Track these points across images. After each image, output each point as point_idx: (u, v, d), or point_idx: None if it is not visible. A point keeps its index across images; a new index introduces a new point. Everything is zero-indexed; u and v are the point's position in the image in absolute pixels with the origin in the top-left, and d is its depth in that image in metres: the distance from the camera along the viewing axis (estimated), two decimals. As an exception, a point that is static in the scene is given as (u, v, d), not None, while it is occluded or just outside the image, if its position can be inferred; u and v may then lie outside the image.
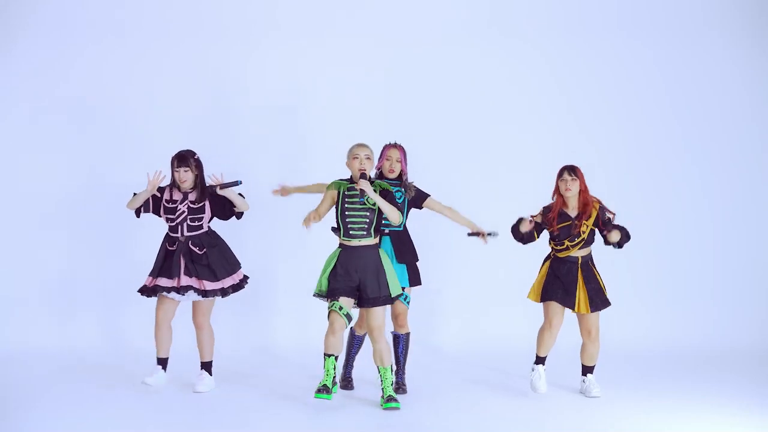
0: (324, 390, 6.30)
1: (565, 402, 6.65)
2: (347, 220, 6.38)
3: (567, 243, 6.68)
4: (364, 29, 8.67)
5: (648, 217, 8.67)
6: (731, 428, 6.03)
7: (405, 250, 6.77)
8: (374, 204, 6.39)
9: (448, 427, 6.07)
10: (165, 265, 6.72)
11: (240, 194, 6.80)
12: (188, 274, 6.69)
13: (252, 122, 8.60)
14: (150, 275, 6.78)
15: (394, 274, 6.49)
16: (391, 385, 6.46)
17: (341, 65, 8.65)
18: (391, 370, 6.49)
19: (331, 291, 6.37)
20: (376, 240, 6.47)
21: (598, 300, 6.72)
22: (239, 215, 6.89)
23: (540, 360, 6.77)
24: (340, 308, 6.31)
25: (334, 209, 6.49)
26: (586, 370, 6.85)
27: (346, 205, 6.40)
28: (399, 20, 8.71)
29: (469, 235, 6.83)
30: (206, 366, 6.91)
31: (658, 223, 8.75)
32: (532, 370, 6.76)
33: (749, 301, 8.77)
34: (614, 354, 7.69)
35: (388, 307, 6.70)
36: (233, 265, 6.86)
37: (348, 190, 6.42)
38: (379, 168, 6.77)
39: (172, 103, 8.51)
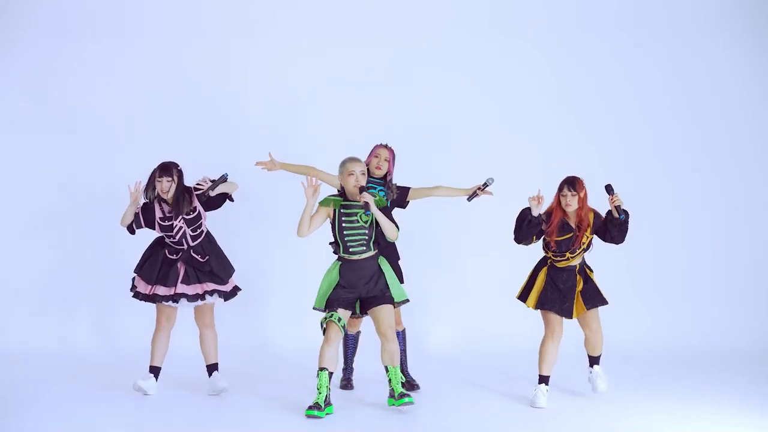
0: (315, 407, 6.16)
1: (565, 402, 6.64)
2: (346, 238, 6.32)
3: (568, 255, 6.64)
4: (363, 29, 8.66)
5: (648, 218, 8.65)
6: (731, 428, 6.03)
7: (387, 250, 6.72)
8: (367, 222, 6.31)
9: (448, 427, 6.06)
10: (162, 272, 6.68)
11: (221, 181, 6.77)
12: (186, 281, 6.66)
13: (249, 122, 8.59)
14: (147, 282, 6.70)
15: (395, 281, 6.45)
16: (401, 384, 6.40)
17: (340, 65, 8.63)
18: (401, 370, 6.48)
19: (329, 302, 6.33)
20: (376, 251, 6.44)
21: (596, 298, 6.66)
22: (231, 198, 6.85)
23: (543, 379, 6.63)
24: (339, 319, 6.27)
25: (330, 226, 6.40)
26: (593, 360, 6.81)
27: (344, 224, 6.32)
28: (398, 21, 8.70)
29: (469, 199, 6.74)
30: (215, 367, 6.86)
31: (658, 223, 8.74)
32: (535, 389, 6.62)
33: (749, 301, 8.77)
34: (614, 354, 7.67)
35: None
36: (230, 270, 6.84)
37: (343, 208, 6.34)
38: (366, 164, 6.73)
39: (171, 103, 8.49)
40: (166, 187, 6.64)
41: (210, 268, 6.71)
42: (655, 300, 8.70)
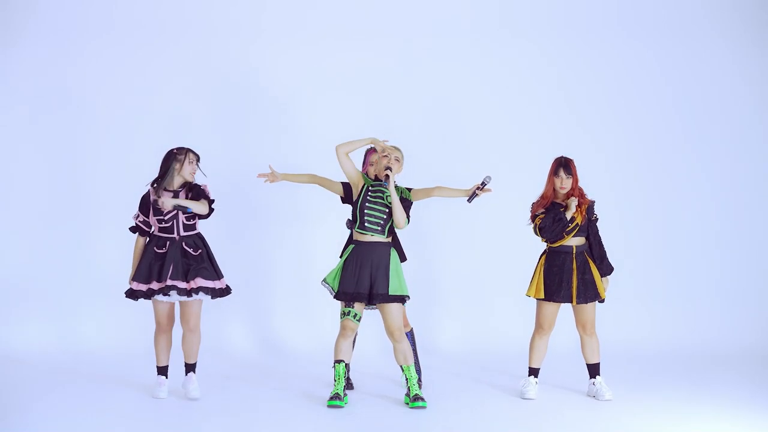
0: (336, 398, 6.40)
1: (564, 402, 6.64)
2: (365, 212, 6.50)
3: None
4: (364, 30, 8.67)
5: (649, 217, 8.68)
6: (731, 428, 6.03)
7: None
8: (388, 198, 6.45)
9: (448, 427, 6.07)
10: (153, 268, 6.59)
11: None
12: (175, 276, 6.56)
13: (248, 121, 8.60)
14: (145, 280, 6.61)
15: (398, 277, 6.51)
16: (417, 383, 6.51)
17: (340, 65, 8.64)
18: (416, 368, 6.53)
19: (344, 295, 6.46)
20: (389, 239, 6.56)
21: (590, 293, 6.63)
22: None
23: (533, 371, 6.74)
24: (354, 315, 6.46)
25: (353, 201, 6.57)
26: (593, 371, 6.76)
27: (368, 197, 6.52)
28: (399, 20, 8.72)
29: (469, 200, 6.71)
30: (193, 368, 6.78)
31: (658, 224, 8.75)
32: (524, 381, 6.75)
33: (750, 301, 8.77)
34: (615, 354, 7.69)
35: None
36: (219, 271, 6.80)
37: (372, 186, 6.56)
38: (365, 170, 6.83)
39: (169, 103, 8.49)
40: (195, 168, 6.66)
41: (203, 262, 6.61)
42: (655, 300, 8.70)
